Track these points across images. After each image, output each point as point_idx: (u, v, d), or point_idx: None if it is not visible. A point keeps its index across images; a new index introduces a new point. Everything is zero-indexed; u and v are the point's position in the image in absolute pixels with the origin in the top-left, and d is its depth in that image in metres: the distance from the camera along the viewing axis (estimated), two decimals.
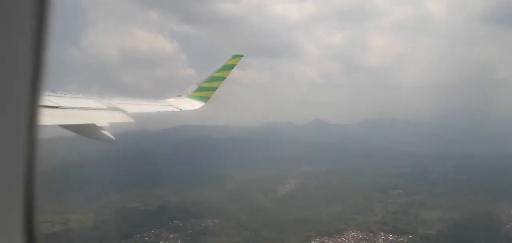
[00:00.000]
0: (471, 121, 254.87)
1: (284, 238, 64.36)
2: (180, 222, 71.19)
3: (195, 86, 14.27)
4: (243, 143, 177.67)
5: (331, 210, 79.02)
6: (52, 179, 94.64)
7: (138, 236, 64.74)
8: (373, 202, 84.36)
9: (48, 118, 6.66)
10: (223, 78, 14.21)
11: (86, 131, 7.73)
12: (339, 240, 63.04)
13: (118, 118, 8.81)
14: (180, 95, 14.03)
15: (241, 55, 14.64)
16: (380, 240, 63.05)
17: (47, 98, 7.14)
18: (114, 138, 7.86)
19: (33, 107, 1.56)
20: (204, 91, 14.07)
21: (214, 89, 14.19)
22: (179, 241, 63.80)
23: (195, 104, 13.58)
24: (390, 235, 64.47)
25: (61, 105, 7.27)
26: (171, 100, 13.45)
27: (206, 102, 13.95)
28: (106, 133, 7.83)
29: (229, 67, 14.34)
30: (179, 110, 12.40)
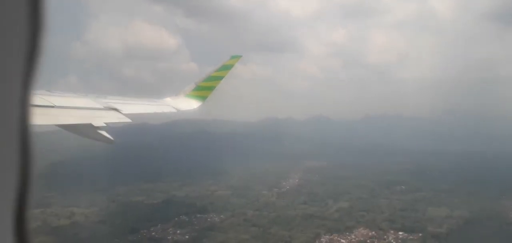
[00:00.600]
0: (473, 119, 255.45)
1: (293, 235, 63.48)
2: (186, 217, 70.27)
3: (193, 85, 14.28)
4: (244, 138, 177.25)
5: (338, 206, 78.37)
6: (55, 172, 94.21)
7: (144, 231, 63.61)
8: (378, 198, 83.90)
9: (44, 117, 6.65)
10: (221, 78, 14.37)
11: (82, 130, 7.70)
12: (349, 238, 62.25)
13: (114, 118, 8.75)
14: (177, 95, 13.97)
15: (239, 56, 14.97)
16: (390, 238, 62.29)
17: (42, 98, 7.12)
18: (112, 138, 7.80)
19: (25, 104, 1.53)
20: (202, 91, 14.14)
21: (212, 88, 14.33)
22: (186, 236, 62.67)
23: (192, 104, 13.63)
24: (400, 233, 63.71)
25: (56, 104, 7.24)
26: (168, 99, 13.33)
27: (203, 101, 14.06)
28: (103, 132, 7.72)
29: (227, 67, 14.51)
30: (176, 110, 12.42)
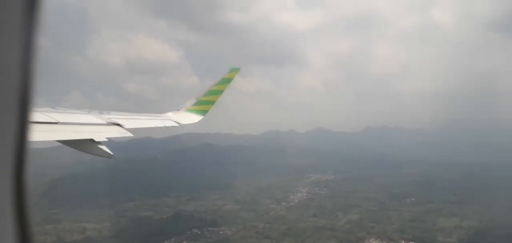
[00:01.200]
0: (476, 129, 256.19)
1: None
2: (199, 230, 70.46)
3: (193, 100, 14.49)
4: (247, 151, 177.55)
5: (347, 218, 78.62)
6: (61, 188, 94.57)
7: None
8: (388, 210, 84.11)
9: (47, 134, 6.79)
10: (222, 91, 14.48)
11: (83, 146, 7.76)
12: None
13: (116, 133, 8.87)
14: (178, 109, 14.18)
15: (238, 69, 15.04)
16: None
17: (46, 114, 7.31)
18: (111, 153, 7.86)
19: (23, 117, 1.52)
20: (203, 105, 14.32)
21: (212, 102, 14.48)
22: None
23: (193, 118, 13.83)
24: None
25: (60, 121, 7.42)
26: (169, 114, 13.58)
27: (204, 115, 14.27)
28: (104, 147, 7.84)
29: (227, 80, 14.61)
30: (177, 124, 12.62)
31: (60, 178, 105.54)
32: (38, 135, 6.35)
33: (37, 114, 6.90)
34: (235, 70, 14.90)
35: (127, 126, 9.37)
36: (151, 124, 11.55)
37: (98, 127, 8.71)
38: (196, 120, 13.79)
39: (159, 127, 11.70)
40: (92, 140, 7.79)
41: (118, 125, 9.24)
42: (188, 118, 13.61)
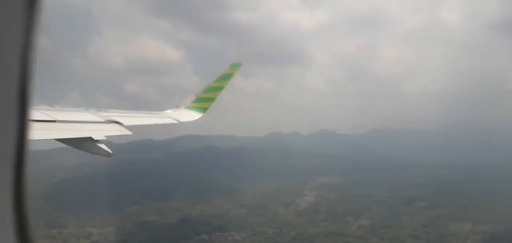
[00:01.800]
0: (482, 131, 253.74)
1: None
2: (207, 235, 68.72)
3: (193, 97, 14.03)
4: (250, 154, 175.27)
5: (359, 223, 76.81)
6: (63, 191, 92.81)
7: None
8: (400, 215, 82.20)
9: (45, 132, 6.67)
10: (222, 88, 14.03)
11: (82, 144, 7.65)
12: None
13: (115, 131, 8.75)
14: (178, 106, 13.73)
15: (239, 64, 14.50)
16: None
17: (44, 112, 7.17)
18: (110, 151, 7.66)
19: (23, 116, 1.54)
20: (202, 102, 13.89)
21: (212, 99, 14.04)
22: None
23: (193, 115, 13.41)
24: None
25: (58, 119, 7.30)
26: (169, 111, 13.09)
27: (204, 112, 13.81)
28: (102, 146, 7.66)
29: (227, 76, 14.12)
30: (177, 122, 12.24)
31: (63, 181, 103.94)
32: (35, 133, 6.04)
33: (34, 113, 6.62)
34: (235, 66, 14.31)
35: (125, 124, 9.16)
36: (150, 121, 11.30)
37: (96, 125, 8.57)
38: (195, 118, 13.30)
39: (158, 124, 11.47)
40: (90, 138, 7.65)
41: (117, 122, 9.04)
42: (187, 115, 13.12)
